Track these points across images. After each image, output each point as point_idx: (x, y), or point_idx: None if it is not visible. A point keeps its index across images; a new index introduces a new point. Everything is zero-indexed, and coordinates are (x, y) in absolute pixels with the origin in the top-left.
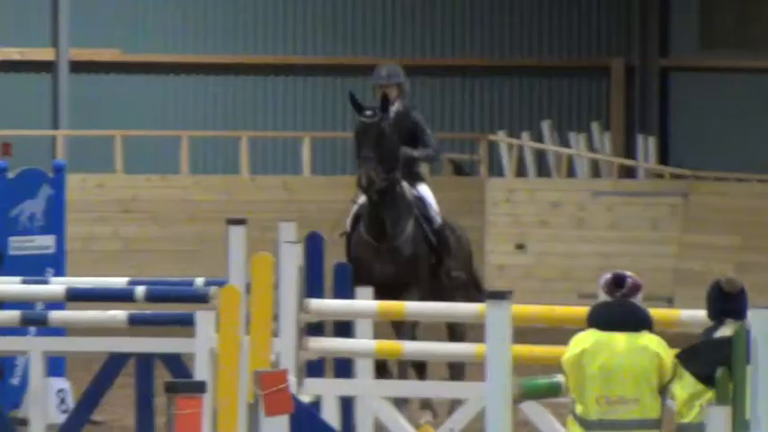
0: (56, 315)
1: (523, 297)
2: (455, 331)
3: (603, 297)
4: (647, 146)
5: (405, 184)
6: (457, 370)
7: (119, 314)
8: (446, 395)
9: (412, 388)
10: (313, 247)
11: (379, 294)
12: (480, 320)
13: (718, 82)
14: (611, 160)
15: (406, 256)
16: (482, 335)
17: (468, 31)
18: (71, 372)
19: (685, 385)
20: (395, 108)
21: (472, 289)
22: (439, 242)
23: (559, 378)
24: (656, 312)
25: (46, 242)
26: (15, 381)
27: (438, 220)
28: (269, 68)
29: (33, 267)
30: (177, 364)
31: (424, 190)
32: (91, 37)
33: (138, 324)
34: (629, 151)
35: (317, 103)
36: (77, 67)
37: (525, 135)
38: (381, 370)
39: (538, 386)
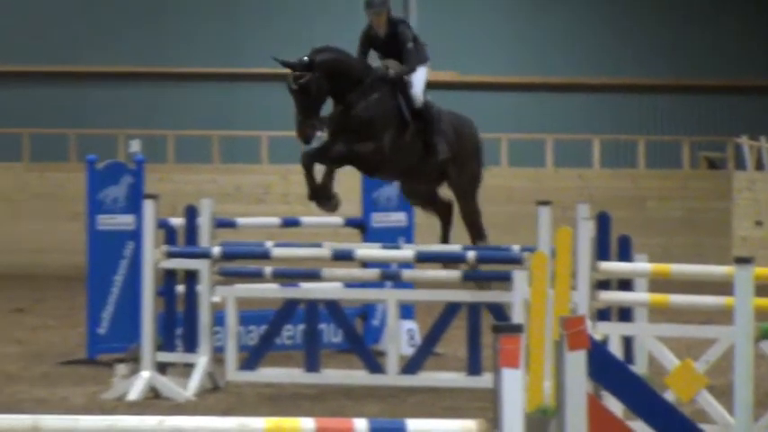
0: (407, 273)
1: (761, 262)
2: (475, 229)
3: None
4: None
5: (390, 71)
6: (479, 234)
7: (455, 272)
8: (702, 335)
9: (677, 330)
10: (602, 222)
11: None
12: (729, 279)
13: None
14: None
15: (365, 118)
16: (731, 290)
17: (719, 56)
18: (418, 316)
19: None
20: (384, 30)
21: (459, 170)
22: (418, 119)
23: None
24: None
25: (399, 217)
26: (376, 322)
27: (418, 100)
28: (565, 87)
29: (389, 236)
30: (499, 310)
31: (417, 74)
32: (434, 62)
33: (469, 280)
34: None
35: (603, 111)
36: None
37: (763, 138)
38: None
39: None
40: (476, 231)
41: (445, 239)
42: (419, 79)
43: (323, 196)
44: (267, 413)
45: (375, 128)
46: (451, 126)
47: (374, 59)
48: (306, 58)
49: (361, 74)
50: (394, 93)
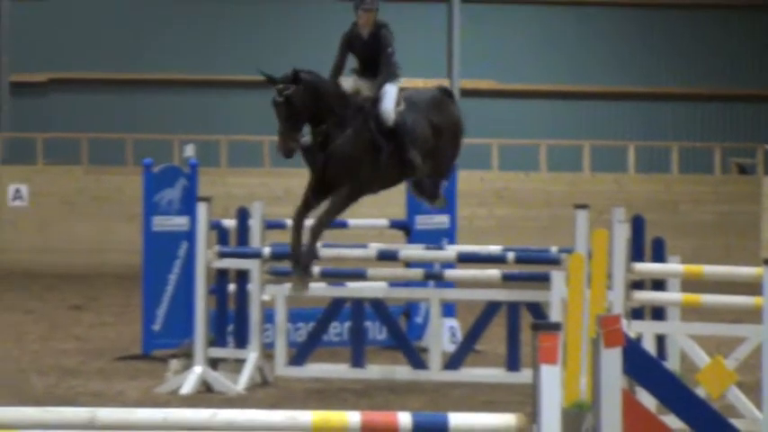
0: (449, 273)
1: None
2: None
3: None
4: None
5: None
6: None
7: (495, 272)
8: (732, 334)
9: (707, 329)
10: (637, 225)
11: (324, 190)
12: (758, 279)
13: None
14: None
15: (341, 158)
16: (759, 290)
17: (749, 66)
18: (459, 314)
19: None
20: (369, 30)
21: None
22: (392, 138)
23: None
24: None
25: (442, 220)
26: (419, 320)
27: (390, 119)
28: (602, 95)
29: (433, 238)
30: (537, 309)
31: (387, 90)
32: (475, 71)
33: (508, 280)
34: None
35: (638, 119)
36: (465, 93)
37: None
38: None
39: None
40: (436, 187)
41: (418, 186)
42: (390, 96)
43: (300, 267)
44: (315, 407)
45: (352, 167)
46: (428, 122)
47: (347, 81)
48: (290, 73)
49: (337, 102)
50: (367, 121)
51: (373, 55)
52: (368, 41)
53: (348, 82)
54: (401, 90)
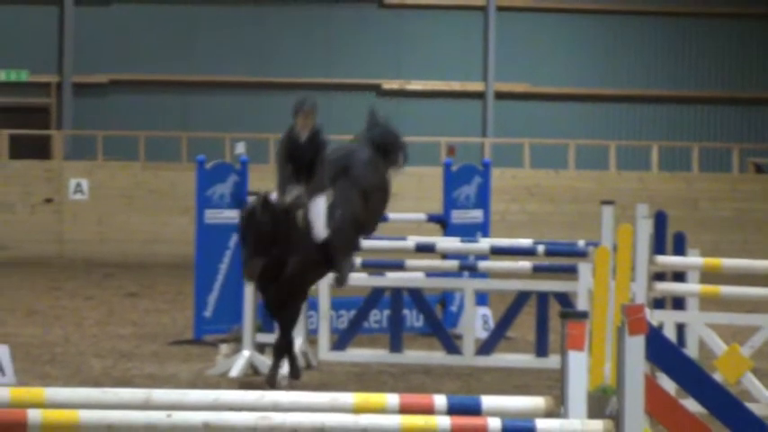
0: (483, 264)
1: None
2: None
3: None
4: None
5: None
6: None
7: (525, 264)
8: (748, 323)
9: (725, 318)
10: (659, 221)
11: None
12: None
13: None
14: None
15: (290, 288)
16: None
17: (766, 72)
18: (492, 303)
19: None
20: (306, 133)
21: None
22: (326, 250)
23: None
24: None
25: (476, 214)
26: (454, 308)
27: (319, 237)
28: (628, 98)
29: (467, 231)
30: (565, 299)
31: (318, 205)
32: (509, 74)
33: (538, 271)
34: None
35: (661, 120)
36: (500, 95)
37: None
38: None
39: None
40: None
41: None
42: (319, 214)
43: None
44: (355, 389)
45: (298, 293)
46: (358, 195)
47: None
48: (260, 199)
49: (286, 228)
50: (306, 245)
51: (309, 158)
52: (305, 145)
53: (290, 196)
54: (344, 147)
